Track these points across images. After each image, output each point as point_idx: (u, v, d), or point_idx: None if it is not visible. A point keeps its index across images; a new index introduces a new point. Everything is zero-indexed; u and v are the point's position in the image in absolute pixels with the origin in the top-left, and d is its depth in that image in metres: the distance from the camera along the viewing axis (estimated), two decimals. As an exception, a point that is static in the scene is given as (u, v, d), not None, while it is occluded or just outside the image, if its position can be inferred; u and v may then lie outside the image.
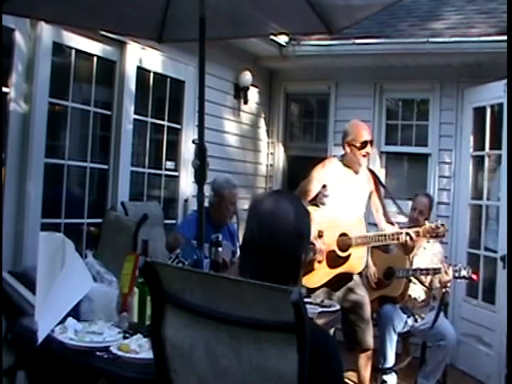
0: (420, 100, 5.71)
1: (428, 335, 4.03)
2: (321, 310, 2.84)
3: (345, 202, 3.50)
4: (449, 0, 5.74)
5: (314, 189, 3.50)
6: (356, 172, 3.59)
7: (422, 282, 4.16)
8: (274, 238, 1.44)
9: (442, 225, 3.49)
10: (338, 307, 3.09)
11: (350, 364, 3.74)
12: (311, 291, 3.37)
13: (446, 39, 4.96)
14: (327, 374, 1.34)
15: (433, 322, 3.91)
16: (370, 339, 3.58)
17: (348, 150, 3.52)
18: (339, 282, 3.50)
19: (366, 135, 3.52)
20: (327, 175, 3.53)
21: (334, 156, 3.77)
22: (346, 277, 3.53)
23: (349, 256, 3.45)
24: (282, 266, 1.45)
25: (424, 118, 5.52)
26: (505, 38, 4.33)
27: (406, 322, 4.08)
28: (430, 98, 5.44)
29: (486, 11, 5.28)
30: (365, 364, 3.64)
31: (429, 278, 4.14)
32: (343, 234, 3.45)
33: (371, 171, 3.80)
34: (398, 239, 3.47)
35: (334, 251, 3.41)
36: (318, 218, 3.36)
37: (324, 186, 3.49)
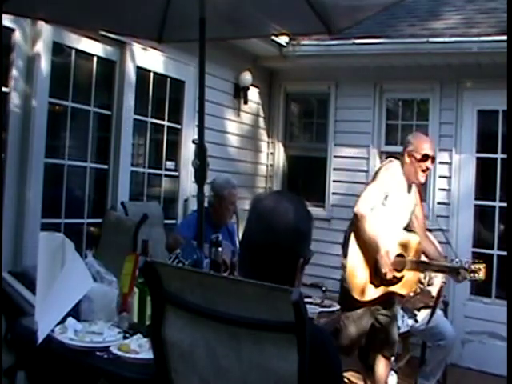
0: (420, 100, 5.71)
1: (428, 335, 4.04)
2: (321, 309, 2.85)
3: (398, 212, 3.35)
4: (449, 0, 5.74)
5: (378, 198, 3.27)
6: (410, 185, 3.41)
7: (421, 282, 4.16)
8: (270, 234, 1.42)
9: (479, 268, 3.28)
10: (338, 307, 3.10)
11: (350, 364, 3.75)
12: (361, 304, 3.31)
13: (446, 39, 4.96)
14: (326, 373, 1.34)
15: (429, 317, 3.90)
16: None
17: (408, 160, 3.35)
18: (386, 300, 3.41)
19: (427, 149, 3.36)
20: (390, 181, 3.31)
21: (396, 159, 3.46)
22: (393, 297, 3.45)
23: (402, 277, 3.33)
24: (278, 264, 1.42)
25: (424, 117, 5.52)
26: (505, 38, 4.34)
27: (405, 322, 4.08)
28: (430, 98, 5.43)
29: (485, 11, 5.28)
30: (384, 368, 3.52)
31: (427, 278, 4.14)
32: (400, 255, 3.32)
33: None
34: (453, 273, 3.30)
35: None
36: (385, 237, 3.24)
37: (386, 197, 3.28)
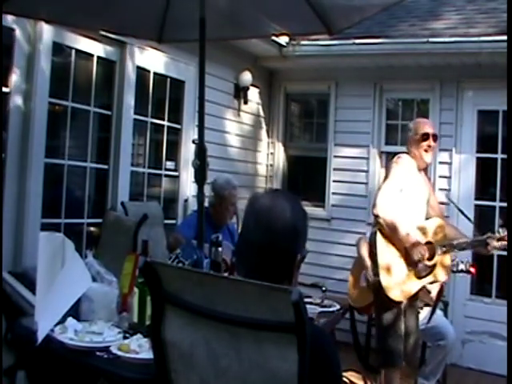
0: (420, 100, 5.71)
1: (428, 335, 4.03)
2: (321, 309, 2.85)
3: (414, 203, 3.36)
4: (449, 0, 5.74)
5: (394, 194, 3.26)
6: (419, 171, 3.44)
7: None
8: (268, 234, 1.44)
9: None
10: (338, 307, 3.09)
11: (350, 364, 3.74)
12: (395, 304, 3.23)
13: (446, 39, 4.96)
14: (326, 373, 1.34)
15: (429, 317, 3.89)
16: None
17: (411, 146, 3.42)
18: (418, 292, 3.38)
19: (426, 128, 3.44)
20: (403, 175, 3.32)
21: (404, 153, 3.48)
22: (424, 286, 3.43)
23: (435, 265, 3.30)
24: (276, 262, 1.44)
25: (424, 117, 5.51)
26: (505, 37, 4.33)
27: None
28: (430, 98, 5.43)
29: (485, 11, 5.28)
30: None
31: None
32: (428, 243, 3.30)
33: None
34: (482, 246, 3.31)
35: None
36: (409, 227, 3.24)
37: (401, 190, 3.28)
